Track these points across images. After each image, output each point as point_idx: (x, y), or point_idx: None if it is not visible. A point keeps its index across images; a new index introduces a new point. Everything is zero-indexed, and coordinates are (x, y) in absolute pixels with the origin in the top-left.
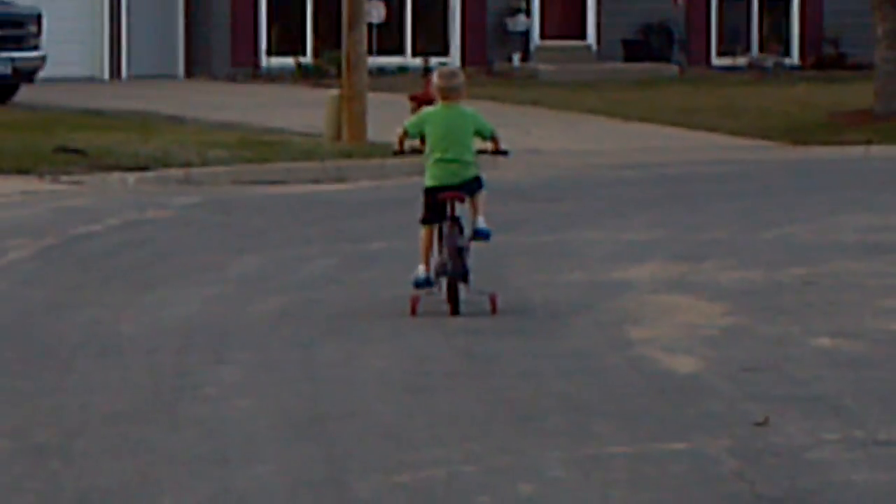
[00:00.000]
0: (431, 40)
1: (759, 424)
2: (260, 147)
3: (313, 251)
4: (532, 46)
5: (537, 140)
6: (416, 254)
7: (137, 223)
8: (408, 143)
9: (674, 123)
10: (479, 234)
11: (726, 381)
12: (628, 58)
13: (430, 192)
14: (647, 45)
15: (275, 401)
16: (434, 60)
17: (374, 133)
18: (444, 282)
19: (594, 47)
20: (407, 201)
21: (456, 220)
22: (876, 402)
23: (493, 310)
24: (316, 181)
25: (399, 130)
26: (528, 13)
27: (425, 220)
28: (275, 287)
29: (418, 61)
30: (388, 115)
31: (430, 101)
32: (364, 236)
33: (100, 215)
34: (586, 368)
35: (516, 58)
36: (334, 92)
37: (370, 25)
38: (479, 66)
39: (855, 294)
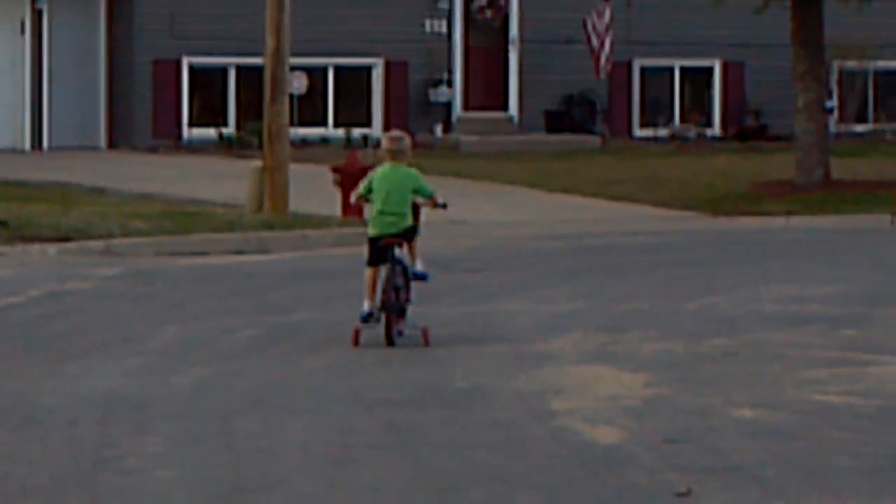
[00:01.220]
0: (353, 111)
1: (681, 495)
2: (182, 218)
3: (235, 322)
4: (454, 117)
5: (460, 211)
6: (339, 323)
7: (59, 294)
8: (354, 198)
9: (596, 194)
10: (417, 277)
11: (648, 452)
12: (550, 129)
13: (372, 241)
14: (569, 116)
15: (196, 472)
16: (356, 132)
17: (296, 204)
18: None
19: (516, 118)
20: (329, 272)
21: (397, 262)
22: (797, 473)
23: (426, 342)
24: (238, 252)
25: (356, 195)
26: (451, 84)
27: (370, 263)
28: (197, 358)
29: (340, 132)
30: (310, 187)
31: (352, 173)
32: (286, 307)
33: (21, 286)
34: (509, 440)
35: (438, 129)
36: (256, 163)
37: (292, 96)
38: None
39: (776, 365)
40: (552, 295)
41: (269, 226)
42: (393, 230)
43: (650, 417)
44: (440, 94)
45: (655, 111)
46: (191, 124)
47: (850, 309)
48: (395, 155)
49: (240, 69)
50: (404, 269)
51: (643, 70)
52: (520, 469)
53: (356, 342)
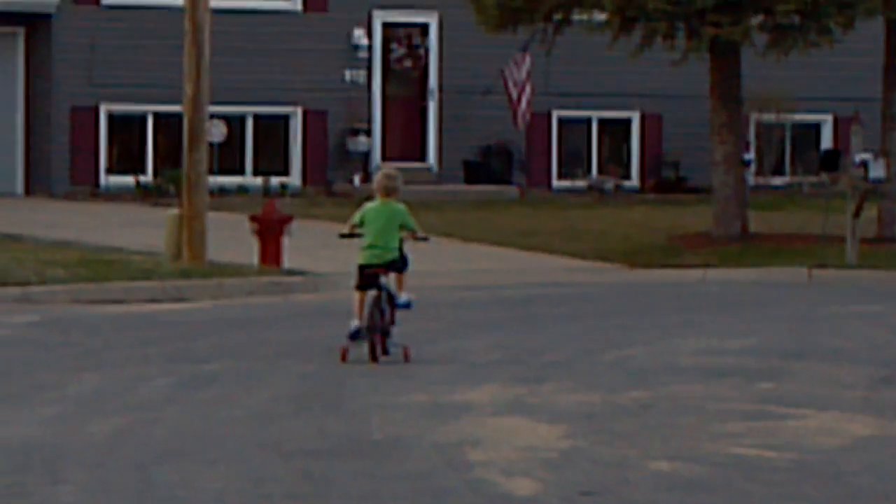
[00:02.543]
0: (272, 160)
1: None
2: (99, 266)
3: (152, 371)
4: (373, 167)
5: None
6: (255, 373)
7: None
8: (348, 227)
9: (514, 245)
10: (400, 306)
11: None
12: (469, 179)
13: (361, 269)
14: (487, 166)
15: None
16: (274, 180)
17: (214, 252)
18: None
19: (435, 168)
20: (246, 321)
21: (383, 289)
22: None
23: (406, 359)
24: (155, 300)
25: (351, 223)
26: (369, 134)
27: (358, 288)
28: (113, 407)
29: (259, 181)
30: (227, 235)
31: (270, 222)
32: (203, 356)
33: None
34: (425, 491)
35: (357, 178)
36: (174, 211)
37: (211, 145)
38: (320, 185)
39: (692, 417)
40: (469, 346)
41: (186, 274)
42: (378, 261)
43: (567, 469)
44: (359, 143)
45: (573, 162)
46: (108, 171)
47: (766, 362)
48: (388, 192)
49: (158, 116)
50: (389, 296)
51: (561, 121)
52: None
53: (343, 359)
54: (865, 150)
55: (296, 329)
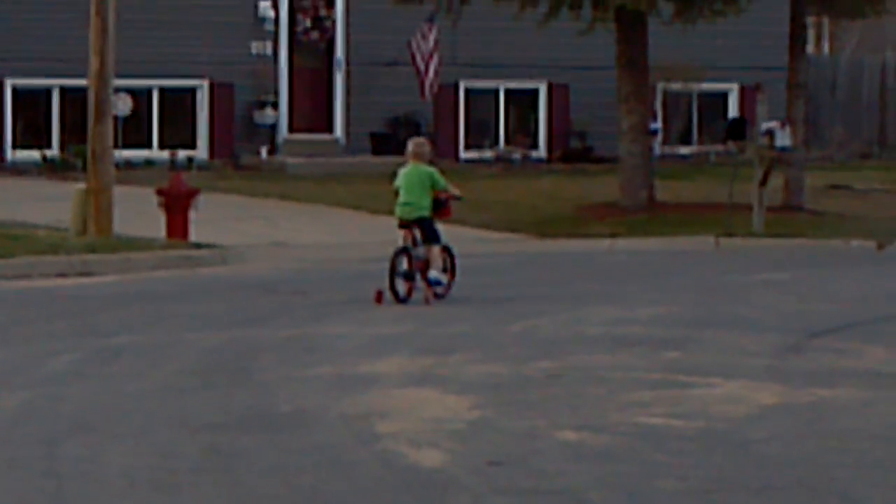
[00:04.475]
0: (178, 133)
1: None
2: (4, 241)
3: (58, 346)
4: (280, 140)
5: (285, 233)
6: (163, 346)
7: None
8: (394, 190)
9: None
10: (431, 282)
11: (472, 475)
12: (376, 151)
13: (399, 222)
14: (394, 137)
15: (18, 498)
16: (181, 154)
17: (120, 226)
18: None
19: (342, 140)
20: (153, 295)
21: (415, 240)
22: (621, 496)
23: (427, 301)
24: (62, 275)
25: (394, 188)
26: (276, 106)
27: (400, 227)
28: (19, 383)
29: (165, 154)
30: (134, 209)
31: (177, 195)
32: (109, 330)
33: None
34: (333, 463)
35: (264, 151)
36: (80, 185)
37: (116, 118)
38: (227, 159)
39: (600, 387)
40: (376, 317)
41: (92, 248)
42: (407, 216)
43: (474, 440)
44: (266, 116)
45: (481, 133)
46: (14, 146)
47: (673, 331)
48: (416, 156)
49: (64, 90)
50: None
51: (468, 92)
52: (344, 492)
53: (379, 300)
54: (772, 119)
55: (203, 302)
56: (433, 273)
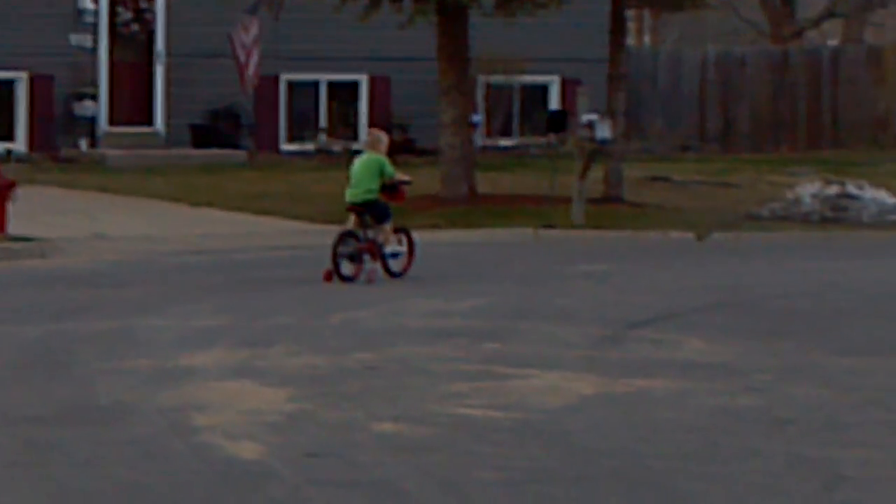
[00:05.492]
0: None
1: None
2: None
3: None
4: (100, 132)
5: (104, 225)
6: None
7: None
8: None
9: (241, 209)
10: (385, 256)
11: (290, 467)
12: (197, 143)
13: (348, 206)
14: (215, 130)
15: None
16: (0, 146)
17: None
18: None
19: (163, 133)
20: None
21: (364, 224)
22: (438, 487)
23: (370, 281)
24: None
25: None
26: (96, 98)
27: (349, 210)
28: None
29: None
30: None
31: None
32: None
33: None
34: (149, 456)
35: (84, 143)
36: None
37: None
38: (46, 151)
39: (419, 379)
40: (195, 310)
41: None
42: (357, 200)
43: (292, 432)
44: (85, 108)
45: (302, 125)
46: None
47: (492, 322)
48: (371, 146)
49: None
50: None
51: (290, 84)
52: (161, 485)
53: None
54: (592, 111)
55: (21, 296)
56: (389, 247)
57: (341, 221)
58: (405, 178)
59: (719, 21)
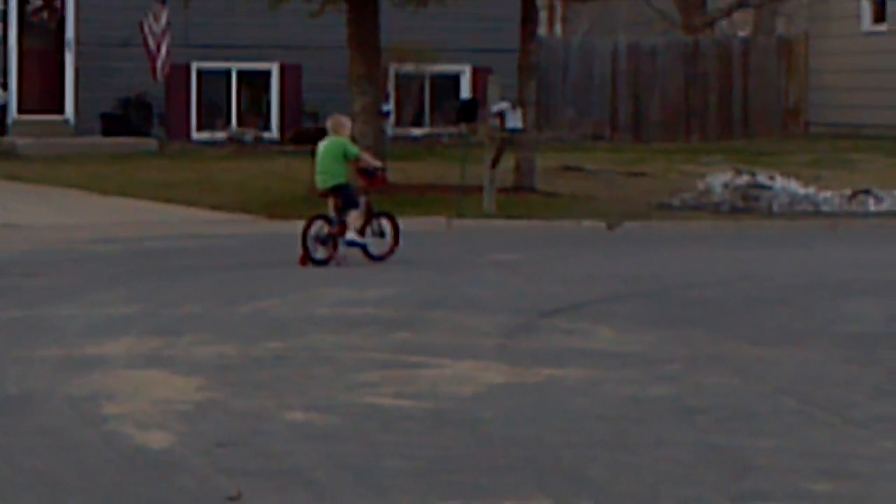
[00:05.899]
0: None
1: (232, 499)
2: None
3: None
4: (10, 120)
5: (14, 214)
6: None
7: None
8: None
9: (152, 198)
10: (346, 243)
11: (199, 457)
12: (107, 132)
13: (319, 192)
14: (126, 119)
15: None
16: None
17: None
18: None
19: (72, 121)
20: None
21: (338, 208)
22: (348, 476)
23: (339, 264)
24: None
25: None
26: (6, 87)
27: (320, 196)
28: None
29: None
30: None
31: None
32: None
33: None
34: (58, 445)
35: None
36: None
37: None
38: None
39: (329, 368)
40: (105, 299)
41: None
42: (323, 185)
43: (202, 421)
44: None
45: (213, 114)
46: None
47: (403, 311)
48: (333, 130)
49: None
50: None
51: (201, 73)
52: (70, 475)
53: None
54: (503, 101)
55: None
56: (348, 235)
57: (249, 211)
58: (377, 163)
59: (630, 11)
